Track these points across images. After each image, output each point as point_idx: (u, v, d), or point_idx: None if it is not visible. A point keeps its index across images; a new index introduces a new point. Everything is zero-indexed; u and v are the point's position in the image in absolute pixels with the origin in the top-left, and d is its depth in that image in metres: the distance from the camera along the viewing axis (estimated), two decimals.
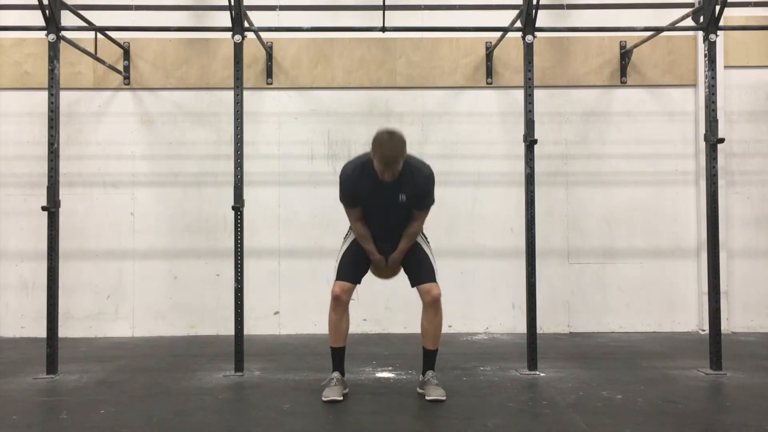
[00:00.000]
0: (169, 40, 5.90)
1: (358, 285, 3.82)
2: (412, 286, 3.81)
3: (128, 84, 5.90)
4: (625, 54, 5.91)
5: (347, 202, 3.75)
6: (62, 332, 4.94)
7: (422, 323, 3.77)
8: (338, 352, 3.81)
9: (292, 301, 5.84)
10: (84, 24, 5.14)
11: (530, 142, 4.35)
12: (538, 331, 4.44)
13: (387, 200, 3.65)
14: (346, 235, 3.89)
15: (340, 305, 3.72)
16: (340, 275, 3.74)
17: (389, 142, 3.47)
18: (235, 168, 4.35)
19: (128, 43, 5.86)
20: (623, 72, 5.95)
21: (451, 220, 5.86)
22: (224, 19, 4.82)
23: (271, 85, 5.92)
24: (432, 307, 3.70)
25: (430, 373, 3.77)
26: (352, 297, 3.77)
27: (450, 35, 5.87)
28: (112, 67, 5.71)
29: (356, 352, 4.70)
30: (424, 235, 3.89)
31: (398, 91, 5.91)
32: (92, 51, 5.36)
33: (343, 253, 3.81)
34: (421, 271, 3.74)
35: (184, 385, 4.06)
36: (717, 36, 4.41)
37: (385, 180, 3.56)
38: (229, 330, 4.46)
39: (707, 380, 4.15)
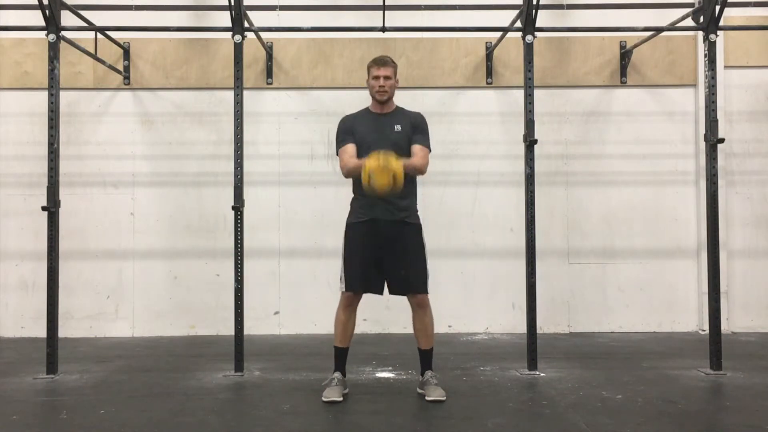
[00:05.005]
0: (169, 40, 5.90)
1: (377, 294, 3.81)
2: (393, 293, 3.76)
3: (128, 84, 5.90)
4: (625, 54, 5.91)
5: (342, 138, 3.80)
6: (62, 332, 4.94)
7: (414, 325, 3.81)
8: (342, 353, 3.81)
9: (292, 301, 5.83)
10: (84, 24, 5.15)
11: (530, 142, 4.35)
12: (538, 331, 4.44)
13: (383, 133, 3.74)
14: (345, 233, 3.80)
15: (350, 306, 3.76)
16: (350, 285, 3.71)
17: (380, 55, 3.92)
18: (235, 168, 4.35)
19: (128, 43, 5.86)
20: (623, 72, 5.95)
21: (451, 220, 5.85)
22: (224, 19, 4.82)
23: (271, 85, 5.93)
24: (420, 308, 3.75)
25: (429, 373, 3.78)
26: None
27: (450, 35, 5.87)
28: (112, 67, 5.71)
29: (356, 352, 4.68)
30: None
31: (398, 90, 5.80)
32: (92, 51, 5.36)
33: (346, 259, 3.75)
34: (411, 280, 3.71)
35: (184, 385, 4.06)
36: (717, 36, 4.41)
37: (380, 85, 3.75)
38: (229, 330, 4.46)
39: (707, 380, 4.15)
